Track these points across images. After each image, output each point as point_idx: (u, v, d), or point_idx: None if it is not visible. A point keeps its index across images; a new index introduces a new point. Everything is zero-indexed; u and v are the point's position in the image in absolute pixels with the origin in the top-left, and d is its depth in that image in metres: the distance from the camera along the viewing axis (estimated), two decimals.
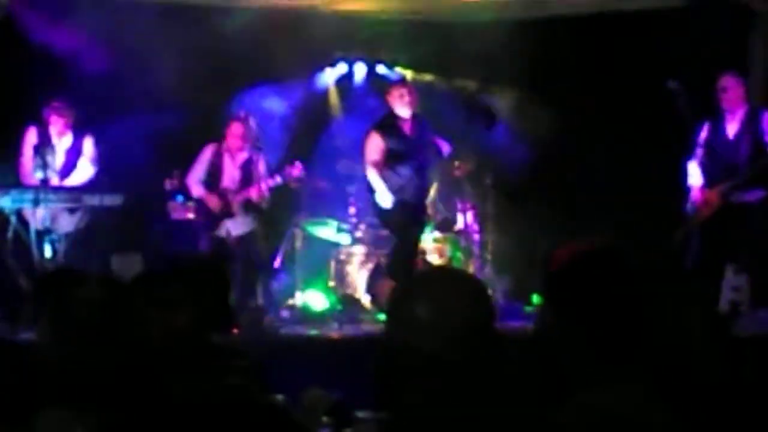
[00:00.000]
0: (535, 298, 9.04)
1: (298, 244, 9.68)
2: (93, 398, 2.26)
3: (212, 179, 8.94)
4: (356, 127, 9.53)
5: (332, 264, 9.69)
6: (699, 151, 8.18)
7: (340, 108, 11.34)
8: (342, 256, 9.63)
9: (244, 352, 3.77)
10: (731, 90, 8.07)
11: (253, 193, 8.89)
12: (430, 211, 9.26)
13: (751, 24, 9.50)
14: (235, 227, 8.89)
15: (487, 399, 2.08)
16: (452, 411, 2.06)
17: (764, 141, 7.97)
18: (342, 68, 11.29)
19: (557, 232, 8.90)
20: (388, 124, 8.49)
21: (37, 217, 8.22)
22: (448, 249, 9.53)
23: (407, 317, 2.15)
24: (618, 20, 9.96)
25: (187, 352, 3.22)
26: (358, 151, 9.37)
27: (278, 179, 8.88)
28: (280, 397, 3.57)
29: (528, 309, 9.18)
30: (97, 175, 8.74)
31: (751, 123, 8.02)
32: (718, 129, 8.14)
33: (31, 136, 8.54)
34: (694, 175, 8.22)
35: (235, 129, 8.95)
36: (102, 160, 8.77)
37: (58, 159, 8.56)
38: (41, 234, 8.24)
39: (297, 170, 8.90)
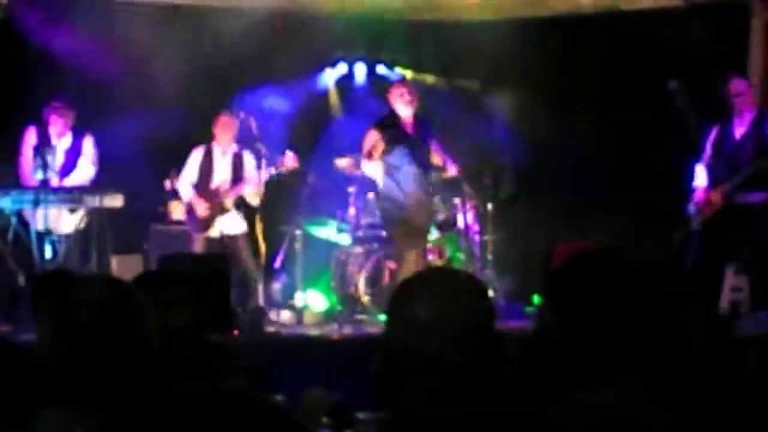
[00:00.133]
0: (536, 299, 9.04)
1: (298, 244, 9.67)
2: (93, 399, 2.26)
3: (203, 180, 8.93)
4: (357, 128, 9.52)
5: (333, 264, 9.70)
6: (706, 153, 8.20)
7: (340, 108, 11.34)
8: (342, 257, 9.62)
9: (244, 353, 3.78)
10: (742, 94, 8.09)
11: (245, 190, 8.89)
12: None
13: (751, 24, 9.50)
14: (228, 227, 8.89)
15: (487, 399, 2.08)
16: (452, 411, 2.05)
17: None
18: (342, 68, 11.29)
19: (558, 232, 8.91)
20: (388, 123, 8.47)
21: (38, 217, 8.22)
22: (448, 249, 9.52)
23: (407, 317, 2.15)
24: (619, 20, 9.96)
25: (187, 353, 3.22)
26: (358, 151, 9.37)
27: (272, 170, 8.86)
28: (280, 397, 3.57)
29: (528, 309, 9.17)
30: (98, 175, 8.74)
31: (758, 126, 8.04)
32: (726, 131, 8.16)
33: (31, 137, 8.54)
34: (700, 176, 8.23)
35: (223, 123, 8.93)
36: (102, 161, 8.77)
37: (58, 159, 8.56)
38: (41, 235, 8.24)
39: (290, 160, 8.88)
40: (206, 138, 9.00)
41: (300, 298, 9.52)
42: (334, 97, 11.36)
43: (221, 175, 8.93)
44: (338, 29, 10.28)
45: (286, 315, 9.33)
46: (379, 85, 10.99)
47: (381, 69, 11.24)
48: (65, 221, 8.44)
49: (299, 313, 9.34)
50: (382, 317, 7.99)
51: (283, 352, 7.06)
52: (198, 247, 8.81)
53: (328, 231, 9.87)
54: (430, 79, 11.10)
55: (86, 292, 2.38)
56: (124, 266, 8.72)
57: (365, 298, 9.32)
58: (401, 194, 8.36)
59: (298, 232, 9.70)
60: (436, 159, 8.61)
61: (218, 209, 8.84)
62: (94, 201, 8.39)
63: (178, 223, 9.13)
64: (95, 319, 2.32)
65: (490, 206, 9.70)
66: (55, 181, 8.44)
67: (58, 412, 2.25)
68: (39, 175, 8.25)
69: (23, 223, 8.26)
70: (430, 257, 9.18)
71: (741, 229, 7.94)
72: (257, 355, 3.97)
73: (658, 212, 8.85)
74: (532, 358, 2.24)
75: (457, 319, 2.12)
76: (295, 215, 9.78)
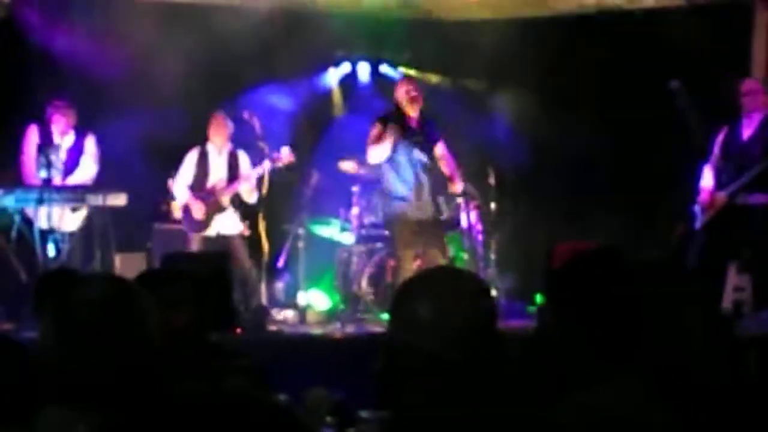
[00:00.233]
0: (539, 298, 9.04)
1: (301, 243, 9.68)
2: (95, 398, 2.27)
3: (199, 181, 8.94)
4: (360, 127, 9.52)
5: (336, 263, 9.70)
6: (714, 154, 8.19)
7: (343, 107, 11.34)
8: (345, 256, 9.63)
9: (246, 352, 3.78)
10: (753, 94, 8.08)
11: (241, 187, 8.90)
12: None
13: (753, 24, 9.50)
14: (224, 227, 8.90)
15: (488, 399, 2.08)
16: (454, 411, 2.06)
17: None
18: (345, 67, 11.29)
19: (559, 231, 8.92)
20: (393, 118, 8.45)
21: (40, 216, 8.23)
22: (451, 249, 9.52)
23: (409, 317, 2.16)
24: (620, 20, 9.96)
25: (188, 352, 3.23)
26: (361, 150, 9.37)
27: (267, 165, 8.87)
28: (282, 397, 3.58)
29: (531, 309, 9.17)
30: (101, 174, 8.75)
31: (766, 127, 8.02)
32: (734, 132, 8.15)
33: (33, 135, 8.54)
34: (706, 177, 8.22)
35: (217, 123, 8.95)
36: (105, 160, 8.77)
37: (61, 158, 8.56)
38: (45, 233, 8.25)
39: (286, 154, 8.88)
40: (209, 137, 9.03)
41: (303, 297, 9.53)
42: (337, 97, 11.37)
43: (217, 174, 8.95)
44: (340, 28, 10.28)
45: (288, 314, 9.33)
46: (382, 84, 11.00)
47: (384, 68, 11.25)
48: (68, 219, 8.45)
49: (302, 312, 9.35)
50: (385, 316, 8.00)
51: (286, 351, 7.07)
52: (195, 246, 8.82)
53: (331, 230, 9.87)
54: (431, 78, 11.10)
55: (88, 291, 2.38)
56: (127, 265, 8.72)
57: (368, 297, 9.33)
58: (403, 188, 8.35)
59: (301, 231, 9.70)
60: (444, 168, 8.55)
61: (215, 208, 8.85)
62: (97, 200, 8.39)
63: (181, 222, 9.13)
64: (97, 319, 2.32)
65: (493, 205, 9.70)
66: (57, 180, 8.44)
67: (59, 410, 2.26)
68: (43, 174, 8.25)
69: (27, 222, 8.27)
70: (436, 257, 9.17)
71: (742, 228, 7.93)
72: (260, 354, 3.97)
73: (658, 212, 8.86)
74: (532, 358, 2.25)
75: (458, 319, 2.12)
76: (298, 214, 9.78)
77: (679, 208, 8.35)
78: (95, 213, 8.47)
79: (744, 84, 8.17)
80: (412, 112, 8.40)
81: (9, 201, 8.15)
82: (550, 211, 9.82)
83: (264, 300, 8.97)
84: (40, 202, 8.11)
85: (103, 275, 3.69)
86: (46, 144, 8.42)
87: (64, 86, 8.75)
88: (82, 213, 8.50)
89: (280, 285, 9.89)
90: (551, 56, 9.99)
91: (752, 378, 2.39)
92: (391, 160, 8.35)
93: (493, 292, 8.19)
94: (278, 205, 9.59)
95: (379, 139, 8.26)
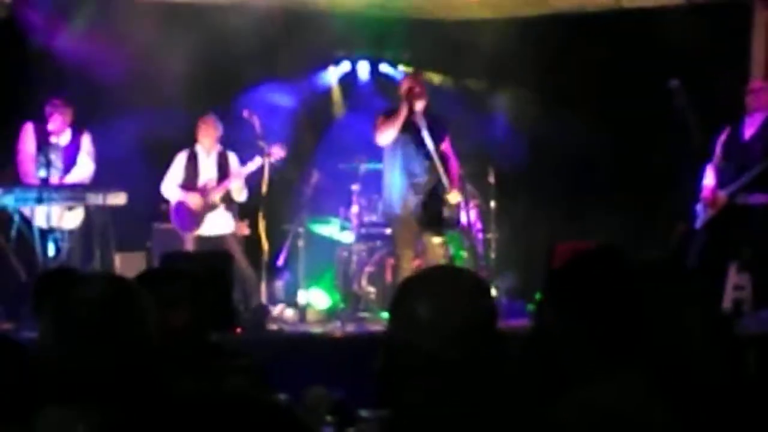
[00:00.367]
0: (539, 297, 9.02)
1: (301, 242, 9.68)
2: (94, 397, 2.27)
3: (190, 181, 8.95)
4: (360, 126, 9.52)
5: (336, 262, 9.70)
6: (716, 154, 8.19)
7: (343, 106, 11.34)
8: (345, 254, 9.63)
9: (246, 351, 3.78)
10: (759, 92, 8.07)
11: (231, 185, 8.91)
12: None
13: (752, 23, 9.50)
14: (216, 226, 8.91)
15: (489, 397, 2.08)
16: (453, 410, 2.06)
17: None
18: (345, 66, 11.29)
19: (559, 230, 8.92)
20: (396, 114, 8.42)
21: (37, 214, 8.23)
22: (451, 247, 9.51)
23: (408, 316, 2.16)
24: (620, 19, 9.96)
25: (187, 352, 3.22)
26: (361, 149, 9.36)
27: (258, 160, 8.88)
28: (282, 396, 3.58)
29: (530, 308, 9.16)
30: (101, 173, 8.74)
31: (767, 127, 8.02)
32: (736, 132, 8.15)
33: (29, 134, 8.53)
34: (708, 177, 8.22)
35: (206, 126, 8.97)
36: (105, 159, 8.77)
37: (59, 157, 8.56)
38: (44, 232, 8.25)
39: (278, 150, 8.89)
40: None
41: (303, 296, 9.53)
42: (337, 96, 11.36)
43: (207, 174, 8.97)
44: (340, 27, 10.28)
45: (288, 313, 9.33)
46: (382, 83, 11.00)
47: (384, 67, 11.24)
48: (67, 218, 8.44)
49: (302, 310, 9.35)
50: (385, 315, 8.00)
51: (286, 350, 7.06)
52: (189, 246, 8.83)
53: (331, 229, 9.87)
54: (432, 77, 11.09)
55: (87, 290, 2.38)
56: (127, 264, 8.73)
57: (368, 296, 9.33)
58: (404, 185, 8.34)
59: (301, 230, 9.71)
60: (445, 170, 8.48)
61: (207, 206, 8.87)
62: (97, 199, 8.39)
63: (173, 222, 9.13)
64: (96, 318, 2.32)
65: (493, 204, 9.71)
66: (55, 179, 8.42)
67: (59, 410, 2.26)
68: (42, 173, 8.25)
69: (26, 221, 8.26)
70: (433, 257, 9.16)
71: (742, 228, 7.94)
72: (259, 353, 3.97)
73: (658, 211, 8.86)
74: (532, 357, 2.25)
75: (458, 318, 2.12)
76: (298, 213, 9.79)
77: (678, 207, 8.35)
78: (95, 212, 8.47)
79: (751, 83, 8.18)
80: (417, 108, 8.35)
81: (9, 200, 8.15)
82: (550, 210, 9.82)
83: (264, 299, 8.97)
84: (40, 201, 8.10)
85: (103, 274, 3.69)
86: (43, 143, 8.41)
87: (65, 86, 8.75)
88: (80, 211, 8.49)
89: (279, 284, 9.89)
90: (551, 55, 9.98)
91: (752, 377, 2.39)
92: (394, 154, 8.33)
93: (493, 292, 8.19)
94: (278, 204, 9.59)
95: (386, 121, 8.25)
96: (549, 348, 2.21)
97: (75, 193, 8.42)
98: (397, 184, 8.39)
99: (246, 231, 9.27)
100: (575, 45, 10.01)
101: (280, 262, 9.85)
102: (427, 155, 8.31)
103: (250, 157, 8.97)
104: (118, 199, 8.43)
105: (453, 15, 10.83)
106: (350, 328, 8.51)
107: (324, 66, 11.19)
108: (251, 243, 9.20)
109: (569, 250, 2.38)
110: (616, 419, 2.05)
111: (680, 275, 2.27)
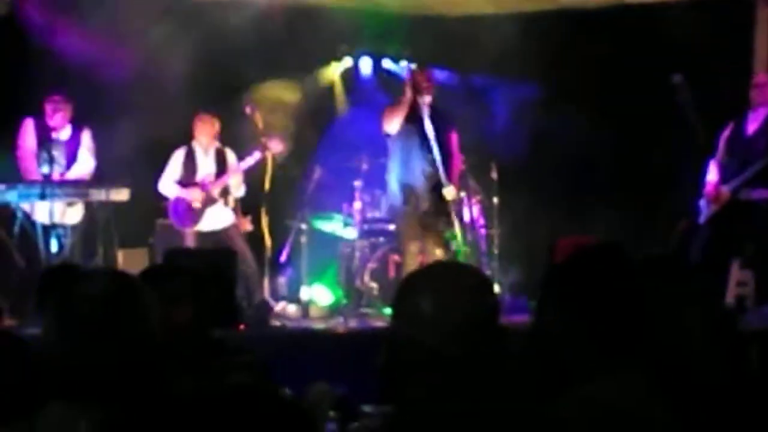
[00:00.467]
0: (540, 293, 9.00)
1: (304, 238, 9.69)
2: (97, 393, 2.27)
3: (188, 178, 8.96)
4: (362, 122, 9.52)
5: (338, 258, 9.71)
6: (720, 149, 8.18)
7: (345, 102, 11.33)
8: (348, 250, 9.63)
9: (249, 347, 3.78)
10: (763, 87, 8.05)
11: (229, 180, 8.92)
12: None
13: (754, 18, 9.49)
14: (216, 221, 8.91)
15: (490, 393, 2.08)
16: (456, 405, 2.06)
17: None
18: (347, 62, 11.28)
19: (561, 226, 8.90)
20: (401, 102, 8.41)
21: (42, 211, 8.23)
22: (453, 244, 9.51)
23: (411, 311, 2.16)
24: (622, 14, 9.95)
25: (190, 348, 3.23)
26: (363, 145, 9.36)
27: (257, 155, 8.88)
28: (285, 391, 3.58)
29: (533, 303, 9.15)
30: (105, 169, 8.74)
31: None
32: (739, 127, 8.13)
33: (29, 130, 8.53)
34: (712, 172, 8.21)
35: (202, 122, 8.98)
36: (109, 155, 8.77)
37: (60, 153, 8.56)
38: (47, 228, 8.25)
39: (275, 144, 8.90)
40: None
41: (306, 292, 9.53)
42: (339, 91, 11.35)
43: (205, 170, 8.98)
44: (342, 23, 10.27)
45: (291, 309, 9.33)
46: (384, 79, 10.99)
47: (386, 63, 11.23)
48: (68, 213, 8.44)
49: (305, 306, 9.35)
50: (388, 311, 8.00)
51: (289, 347, 7.06)
52: (190, 242, 8.83)
53: (333, 225, 9.86)
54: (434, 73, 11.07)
55: (90, 287, 2.38)
56: (130, 260, 8.73)
57: (371, 292, 9.33)
58: (409, 179, 8.34)
59: (303, 226, 9.71)
60: (444, 172, 8.46)
61: (206, 201, 8.87)
62: (100, 195, 8.40)
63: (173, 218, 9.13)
64: (99, 315, 2.32)
65: (495, 200, 9.70)
66: (57, 175, 8.42)
67: (61, 406, 2.26)
68: (45, 169, 8.25)
69: (29, 217, 8.27)
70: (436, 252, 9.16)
71: (745, 224, 7.93)
72: (262, 350, 3.98)
73: (660, 207, 8.85)
74: (534, 353, 2.25)
75: (460, 314, 2.12)
76: (300, 209, 9.79)
77: (680, 203, 8.34)
78: (97, 208, 8.47)
79: (756, 77, 8.16)
80: (424, 103, 8.33)
81: (12, 196, 8.15)
82: (552, 205, 9.81)
83: (267, 295, 8.98)
84: (42, 197, 8.11)
85: (106, 271, 3.69)
86: (45, 139, 8.41)
87: (67, 83, 8.74)
88: (79, 206, 8.48)
89: (282, 280, 9.90)
90: (553, 51, 9.97)
91: (754, 373, 2.39)
92: (399, 147, 8.33)
93: (496, 287, 8.19)
94: (281, 201, 9.59)
95: (392, 110, 8.26)
96: (550, 345, 2.21)
97: (78, 189, 8.42)
98: (402, 178, 8.39)
99: (249, 227, 9.27)
100: (577, 40, 10.00)
101: (283, 258, 9.85)
102: (431, 149, 8.31)
103: (250, 154, 8.97)
104: (121, 195, 8.43)
105: (455, 11, 10.83)
106: (353, 324, 8.51)
107: (326, 62, 11.18)
108: (254, 239, 9.20)
109: (571, 246, 2.38)
110: (616, 416, 2.05)
111: (681, 273, 2.27)
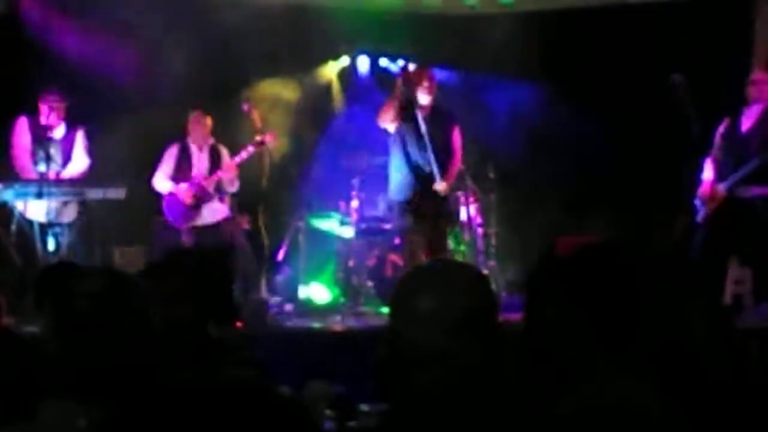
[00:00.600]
0: (535, 288, 8.99)
1: (302, 237, 9.69)
2: (95, 391, 2.27)
3: (182, 173, 8.96)
4: (360, 121, 9.52)
5: (336, 257, 9.71)
6: (715, 146, 8.17)
7: (343, 101, 11.33)
8: (345, 249, 9.63)
9: (246, 345, 3.78)
10: (760, 84, 8.04)
11: (223, 176, 8.92)
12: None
13: (755, 14, 9.50)
14: (213, 215, 8.92)
15: (488, 391, 2.08)
16: (454, 403, 2.06)
17: None
18: (345, 61, 11.28)
19: (560, 224, 8.91)
20: (403, 106, 8.40)
21: (38, 209, 8.22)
22: (451, 242, 9.51)
23: (408, 309, 2.16)
24: (622, 12, 9.95)
25: (189, 346, 3.23)
26: (361, 143, 9.36)
27: (251, 149, 8.88)
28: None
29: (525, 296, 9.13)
30: (101, 167, 8.74)
31: (766, 119, 7.98)
32: (735, 124, 8.12)
33: (24, 128, 8.52)
34: (707, 170, 8.20)
35: (196, 120, 8.97)
36: (106, 153, 8.76)
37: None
38: (44, 227, 8.25)
39: (270, 138, 8.90)
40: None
41: (303, 291, 9.53)
42: (337, 90, 11.35)
43: (199, 167, 8.98)
44: (340, 22, 10.27)
45: (289, 307, 9.34)
46: (381, 78, 10.99)
47: (384, 62, 11.24)
48: (64, 211, 8.43)
49: (302, 305, 9.35)
50: (385, 309, 8.00)
51: (286, 345, 7.07)
52: (186, 238, 8.83)
53: (331, 223, 9.87)
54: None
55: (88, 284, 2.38)
56: (127, 258, 8.73)
57: (368, 291, 9.33)
58: (409, 170, 8.34)
59: (301, 224, 9.71)
60: (438, 168, 8.45)
61: (201, 197, 8.87)
62: (97, 193, 8.39)
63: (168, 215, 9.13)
64: (97, 312, 2.32)
65: (493, 198, 9.71)
66: (52, 173, 8.41)
67: (60, 404, 2.26)
68: (42, 168, 8.24)
69: (26, 216, 8.26)
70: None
71: (743, 222, 7.92)
72: (260, 348, 3.98)
73: (659, 205, 8.85)
74: (533, 351, 2.25)
75: (457, 312, 2.12)
76: (298, 208, 9.79)
77: (680, 200, 8.34)
78: (95, 206, 8.47)
79: (753, 74, 8.15)
80: (425, 102, 8.31)
81: (8, 195, 8.15)
82: (550, 204, 9.82)
83: (264, 293, 8.98)
84: (39, 196, 8.10)
85: (103, 269, 3.69)
86: (41, 137, 8.39)
87: (65, 81, 8.74)
88: (74, 204, 8.47)
89: (280, 278, 9.90)
90: (555, 49, 9.98)
91: (753, 370, 2.39)
92: (398, 144, 8.32)
93: (494, 286, 8.20)
94: (278, 199, 9.59)
95: (385, 104, 8.24)
96: (549, 342, 2.21)
97: (75, 187, 8.41)
98: (401, 174, 8.38)
99: (246, 225, 9.27)
100: (577, 38, 10.01)
101: (281, 256, 9.85)
102: (427, 147, 8.30)
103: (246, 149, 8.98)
104: (118, 193, 8.43)
105: (454, 10, 10.83)
106: (350, 322, 8.50)
107: (325, 60, 11.18)
108: (252, 237, 9.19)
109: (570, 245, 2.37)
110: (618, 414, 2.05)
111: (682, 269, 2.26)
